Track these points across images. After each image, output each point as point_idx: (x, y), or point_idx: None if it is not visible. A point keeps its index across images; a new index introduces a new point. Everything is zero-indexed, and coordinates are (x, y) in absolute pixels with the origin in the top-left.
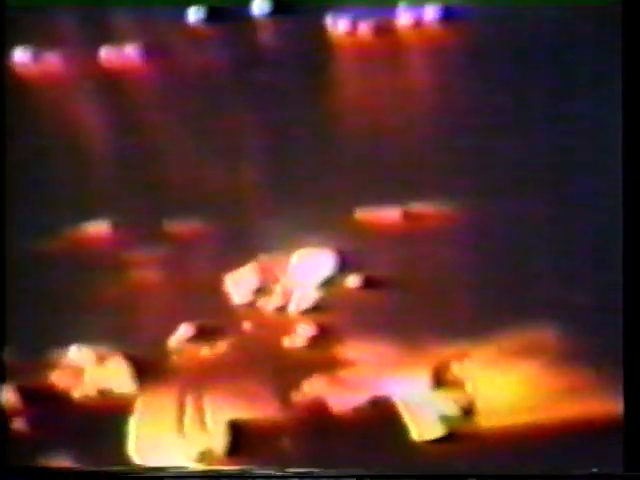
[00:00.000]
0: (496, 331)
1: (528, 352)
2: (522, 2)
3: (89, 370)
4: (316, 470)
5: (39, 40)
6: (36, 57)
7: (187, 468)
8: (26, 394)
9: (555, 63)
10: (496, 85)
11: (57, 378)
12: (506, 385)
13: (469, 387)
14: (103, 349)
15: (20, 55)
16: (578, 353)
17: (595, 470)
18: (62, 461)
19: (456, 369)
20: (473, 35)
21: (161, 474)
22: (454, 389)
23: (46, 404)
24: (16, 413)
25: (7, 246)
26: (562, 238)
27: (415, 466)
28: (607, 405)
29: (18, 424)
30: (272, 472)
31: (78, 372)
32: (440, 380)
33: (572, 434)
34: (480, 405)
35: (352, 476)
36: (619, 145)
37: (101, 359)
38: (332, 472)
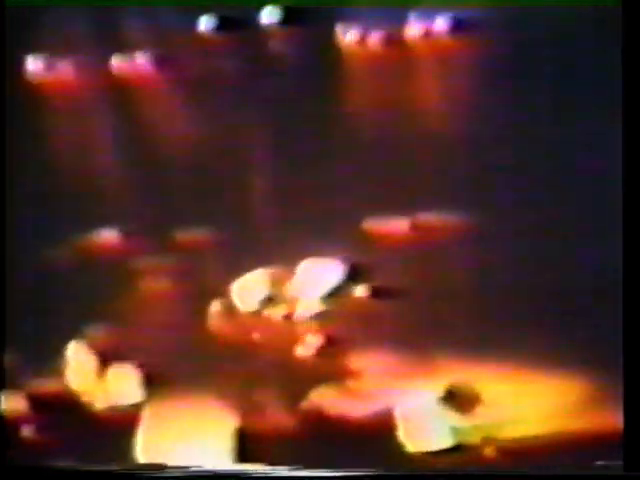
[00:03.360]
0: (504, 343)
1: (536, 364)
2: (530, 4)
3: (97, 378)
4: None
5: (50, 48)
6: (48, 65)
7: (188, 468)
8: (32, 402)
9: (557, 66)
10: (507, 95)
11: (64, 386)
12: (514, 397)
13: (477, 399)
14: (111, 357)
15: (32, 63)
16: (583, 364)
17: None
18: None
19: (464, 380)
20: (483, 45)
21: (162, 474)
22: (462, 401)
23: (52, 412)
24: (21, 420)
25: (15, 255)
26: (571, 250)
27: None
28: (608, 414)
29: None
30: (273, 472)
31: (85, 380)
32: (448, 391)
33: (576, 445)
34: (488, 416)
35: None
36: (619, 150)
37: (109, 367)
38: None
